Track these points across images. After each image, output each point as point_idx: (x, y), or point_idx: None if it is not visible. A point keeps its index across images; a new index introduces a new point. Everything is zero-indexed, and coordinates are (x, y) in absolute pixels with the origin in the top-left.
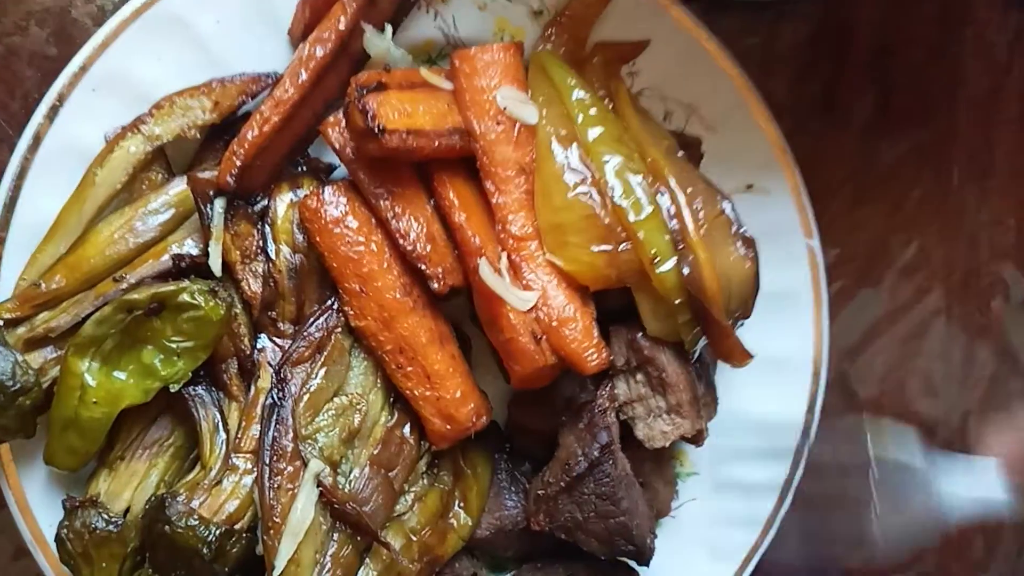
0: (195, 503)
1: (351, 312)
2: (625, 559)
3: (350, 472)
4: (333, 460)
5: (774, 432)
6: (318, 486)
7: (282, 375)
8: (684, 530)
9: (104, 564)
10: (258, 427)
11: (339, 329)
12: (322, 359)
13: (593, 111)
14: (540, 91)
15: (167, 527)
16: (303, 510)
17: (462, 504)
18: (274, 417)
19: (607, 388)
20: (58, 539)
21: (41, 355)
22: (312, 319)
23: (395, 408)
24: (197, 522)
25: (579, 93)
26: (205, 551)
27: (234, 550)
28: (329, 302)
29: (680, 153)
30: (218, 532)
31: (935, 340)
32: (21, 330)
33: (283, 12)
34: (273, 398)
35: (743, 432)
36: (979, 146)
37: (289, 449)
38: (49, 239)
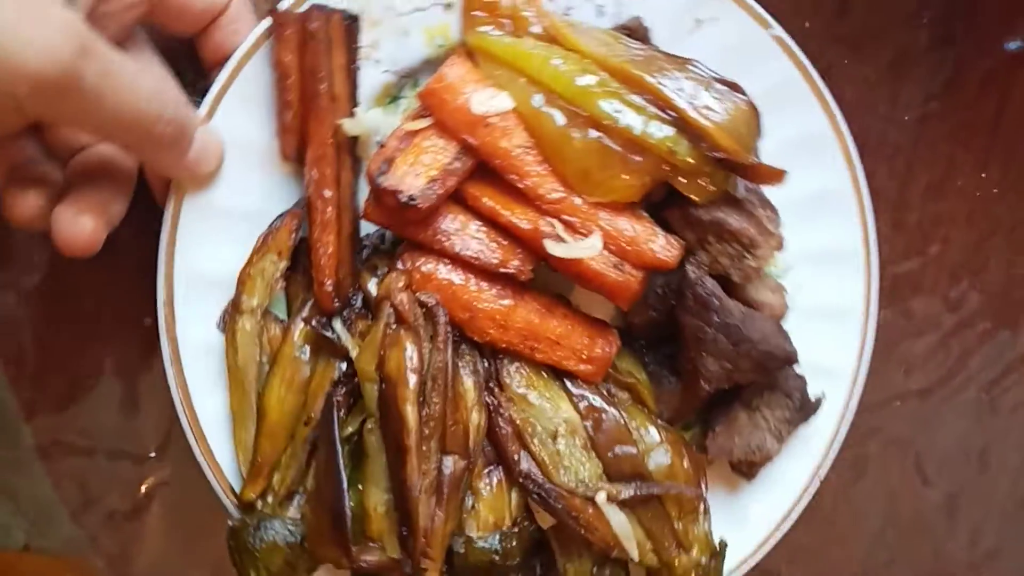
0: (469, 532)
1: (474, 337)
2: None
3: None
4: (602, 476)
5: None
6: (610, 501)
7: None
8: (801, 313)
9: None
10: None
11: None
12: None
13: (541, 53)
14: (493, 71)
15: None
16: (622, 531)
17: (643, 407)
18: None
19: (691, 263)
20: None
21: (295, 504)
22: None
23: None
24: (477, 539)
25: (521, 48)
26: (496, 558)
27: (513, 544)
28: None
29: (635, 45)
30: (498, 539)
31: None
32: (270, 499)
33: (270, 147)
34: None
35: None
36: None
37: (577, 503)
38: (239, 427)
